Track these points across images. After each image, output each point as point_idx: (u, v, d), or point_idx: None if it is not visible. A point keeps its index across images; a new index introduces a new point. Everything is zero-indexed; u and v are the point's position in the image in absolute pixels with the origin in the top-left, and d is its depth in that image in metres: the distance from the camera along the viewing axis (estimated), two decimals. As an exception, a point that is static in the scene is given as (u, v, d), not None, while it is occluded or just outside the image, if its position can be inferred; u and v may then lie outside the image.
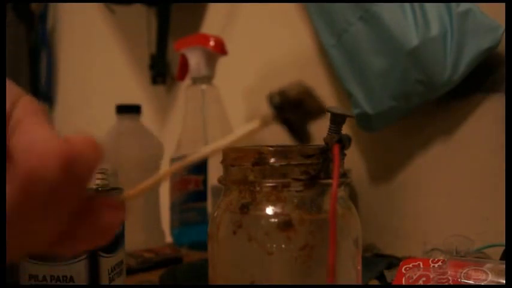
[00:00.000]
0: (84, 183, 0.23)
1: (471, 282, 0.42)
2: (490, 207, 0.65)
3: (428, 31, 0.61)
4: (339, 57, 0.72)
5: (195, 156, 0.28)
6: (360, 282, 0.38)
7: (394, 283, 0.47)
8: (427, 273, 0.45)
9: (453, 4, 0.62)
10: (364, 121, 0.71)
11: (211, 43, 0.83)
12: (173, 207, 0.84)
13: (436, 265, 0.45)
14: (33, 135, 0.22)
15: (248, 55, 0.97)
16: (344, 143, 0.35)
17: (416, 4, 0.62)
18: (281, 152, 0.35)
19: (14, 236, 0.21)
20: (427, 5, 0.62)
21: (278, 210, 0.35)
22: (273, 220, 0.35)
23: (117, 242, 0.48)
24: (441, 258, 0.46)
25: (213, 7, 1.06)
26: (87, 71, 1.45)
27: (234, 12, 1.01)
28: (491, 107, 0.65)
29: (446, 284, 0.44)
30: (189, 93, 0.87)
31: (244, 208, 0.36)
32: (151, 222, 0.83)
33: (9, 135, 0.23)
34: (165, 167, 0.87)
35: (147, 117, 1.09)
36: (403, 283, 0.46)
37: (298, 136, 0.29)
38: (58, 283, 0.43)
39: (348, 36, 0.70)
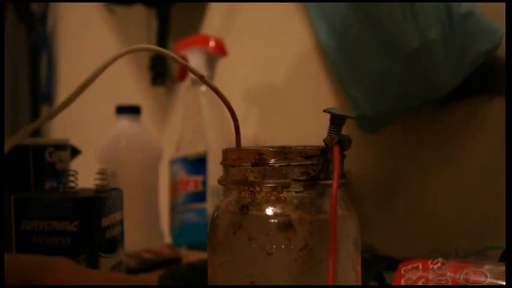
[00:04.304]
0: None
1: (470, 283, 0.42)
2: (490, 208, 0.65)
3: (428, 33, 0.61)
4: (338, 59, 0.72)
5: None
6: (359, 283, 0.38)
7: (393, 284, 0.47)
8: (426, 274, 0.45)
9: (454, 6, 0.62)
10: (364, 122, 0.71)
11: (211, 44, 0.83)
12: (173, 208, 0.84)
13: (435, 266, 0.45)
14: None
15: (248, 56, 0.97)
16: (344, 143, 0.35)
17: (416, 6, 0.62)
18: (281, 152, 0.35)
19: None
20: (428, 6, 0.62)
21: (278, 210, 0.35)
22: (272, 221, 0.35)
23: (116, 242, 0.48)
24: (440, 259, 0.46)
25: (213, 7, 1.07)
26: (87, 71, 1.45)
27: (234, 12, 1.01)
28: (491, 109, 0.65)
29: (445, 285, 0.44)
30: (188, 94, 0.87)
31: (244, 209, 0.36)
32: (150, 223, 0.83)
33: None
34: (164, 168, 0.87)
35: (147, 118, 1.09)
36: (402, 284, 0.46)
37: None
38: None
39: (348, 38, 0.70)
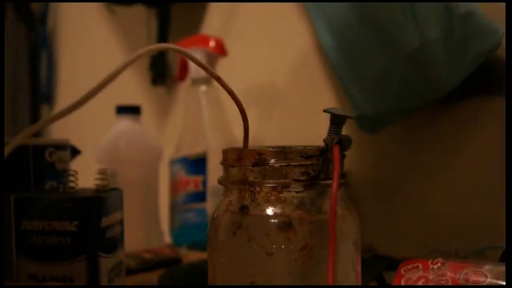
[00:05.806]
0: None
1: (470, 283, 0.42)
2: (490, 208, 0.65)
3: (428, 33, 0.61)
4: (338, 59, 0.72)
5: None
6: (359, 283, 0.38)
7: (393, 284, 0.47)
8: (426, 274, 0.45)
9: (454, 6, 0.62)
10: (364, 122, 0.71)
11: (212, 44, 0.83)
12: (173, 208, 0.84)
13: (435, 266, 0.45)
14: None
15: (248, 56, 0.97)
16: (344, 144, 0.36)
17: (416, 6, 0.62)
18: (281, 152, 0.35)
19: None
20: (428, 6, 0.62)
21: (278, 210, 0.35)
22: (272, 221, 0.35)
23: (116, 242, 0.48)
24: (440, 259, 0.46)
25: (213, 7, 1.07)
26: (87, 71, 1.46)
27: (234, 12, 1.01)
28: (492, 109, 0.65)
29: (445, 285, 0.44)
30: (188, 94, 0.87)
31: (244, 209, 0.36)
32: (150, 223, 0.83)
33: None
34: (164, 168, 0.87)
35: (147, 118, 1.09)
36: (402, 284, 0.46)
37: None
38: (57, 283, 0.43)
39: (348, 38, 0.70)
